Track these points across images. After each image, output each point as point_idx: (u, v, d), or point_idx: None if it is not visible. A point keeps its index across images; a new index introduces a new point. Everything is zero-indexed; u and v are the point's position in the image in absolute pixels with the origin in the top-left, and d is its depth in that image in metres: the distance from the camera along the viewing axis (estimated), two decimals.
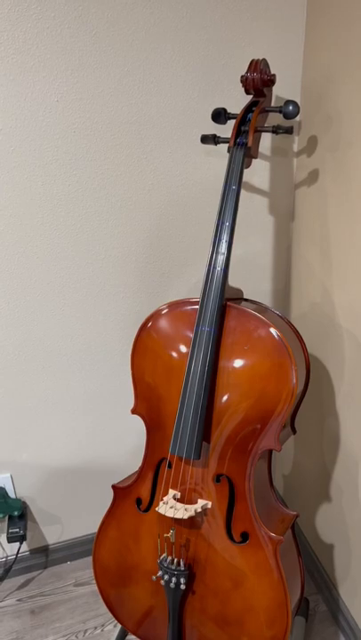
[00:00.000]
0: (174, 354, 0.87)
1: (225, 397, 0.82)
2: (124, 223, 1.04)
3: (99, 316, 1.09)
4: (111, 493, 0.97)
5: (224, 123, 0.90)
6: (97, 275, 1.06)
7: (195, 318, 0.84)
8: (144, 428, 0.93)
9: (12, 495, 1.18)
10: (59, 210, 0.99)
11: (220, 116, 0.89)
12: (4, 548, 1.23)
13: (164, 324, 0.89)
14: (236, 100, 0.96)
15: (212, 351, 0.81)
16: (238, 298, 0.91)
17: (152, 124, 0.99)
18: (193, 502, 0.86)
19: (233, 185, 0.83)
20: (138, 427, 0.96)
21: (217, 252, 0.82)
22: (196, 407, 0.81)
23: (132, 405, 0.93)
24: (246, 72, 0.85)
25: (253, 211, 1.10)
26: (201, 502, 0.86)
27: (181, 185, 1.04)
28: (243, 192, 1.02)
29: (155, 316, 0.89)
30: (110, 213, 1.02)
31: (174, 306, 0.88)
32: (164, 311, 0.89)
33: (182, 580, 0.87)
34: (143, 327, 0.90)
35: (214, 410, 0.83)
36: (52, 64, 0.89)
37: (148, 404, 0.90)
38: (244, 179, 1.05)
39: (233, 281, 0.88)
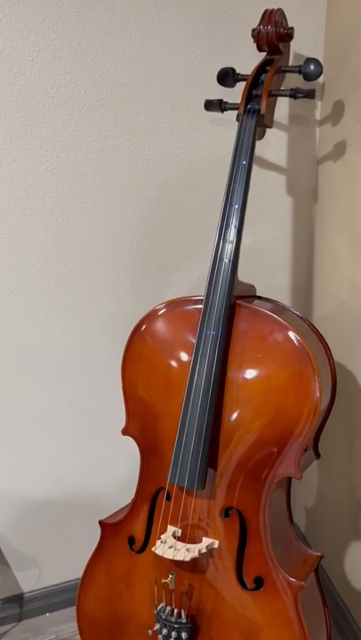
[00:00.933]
0: (173, 363, 0.87)
1: (235, 415, 0.82)
2: (112, 207, 1.04)
3: (83, 318, 1.10)
4: (98, 531, 0.96)
5: (232, 85, 0.90)
6: (80, 268, 1.06)
7: (198, 320, 0.84)
8: (137, 451, 0.92)
9: None
10: (33, 190, 0.99)
11: (227, 77, 0.90)
12: None
13: (161, 327, 0.89)
14: (248, 59, 0.97)
15: (218, 359, 0.81)
16: (250, 295, 0.91)
17: (146, 87, 0.99)
18: (196, 541, 0.86)
19: (243, 160, 0.83)
20: (130, 450, 0.96)
21: (224, 241, 0.82)
22: (199, 427, 0.81)
23: (122, 425, 0.92)
24: (259, 24, 0.85)
25: (268, 191, 1.10)
26: (206, 541, 0.86)
27: (181, 160, 1.04)
28: (255, 168, 1.02)
29: (150, 317, 0.89)
30: (96, 195, 1.02)
31: (173, 305, 0.88)
32: (162, 312, 0.89)
33: (184, 635, 0.87)
34: (136, 331, 0.90)
35: (222, 430, 0.83)
36: (25, 16, 0.90)
37: (142, 424, 0.90)
38: (257, 152, 1.05)
39: (243, 275, 0.88)
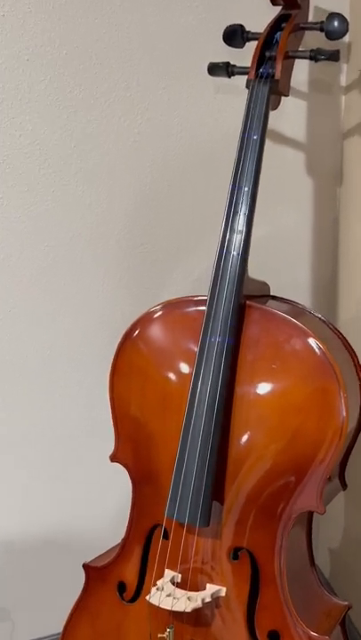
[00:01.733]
0: (172, 375, 0.87)
1: (245, 438, 0.82)
2: (99, 190, 1.04)
3: (64, 321, 1.10)
4: (82, 576, 0.96)
5: (241, 46, 0.90)
6: (60, 263, 1.06)
7: (200, 324, 0.84)
8: (128, 481, 0.92)
9: None
10: (4, 170, 0.99)
11: (235, 35, 0.90)
12: None
13: (157, 332, 0.89)
14: (260, 14, 0.96)
15: (225, 371, 0.81)
16: (263, 295, 0.91)
17: (139, 47, 0.99)
18: (199, 588, 0.86)
19: (254, 134, 0.83)
20: (121, 479, 0.96)
21: (232, 231, 0.83)
22: (203, 452, 0.81)
23: (111, 449, 0.92)
24: None
25: (284, 171, 1.10)
26: (211, 588, 0.86)
27: (181, 135, 1.04)
28: (268, 144, 1.01)
29: (144, 321, 0.89)
30: (80, 176, 1.02)
31: (172, 307, 0.89)
32: (158, 314, 0.89)
33: None
34: (127, 337, 0.90)
35: (230, 456, 0.83)
36: None
37: (134, 448, 0.90)
38: (271, 125, 1.04)
39: (255, 271, 0.88)
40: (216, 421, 0.81)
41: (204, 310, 0.84)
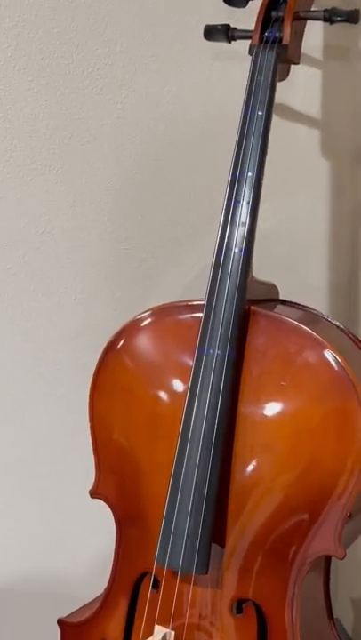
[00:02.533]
0: (163, 394, 0.87)
1: (250, 468, 0.82)
2: (76, 175, 1.04)
3: (35, 331, 1.09)
4: (57, 633, 0.96)
5: (244, 5, 0.90)
6: (31, 262, 1.06)
7: (197, 334, 0.84)
8: (112, 520, 0.92)
9: None
10: None
11: None
12: None
13: (145, 343, 0.89)
14: None
15: (225, 389, 0.81)
16: (270, 299, 0.91)
17: (122, 6, 0.99)
18: None
19: (259, 109, 0.84)
20: (103, 519, 0.96)
21: (233, 223, 0.83)
22: (199, 486, 0.81)
23: (91, 482, 0.92)
24: None
25: (294, 152, 1.10)
26: None
27: (172, 111, 1.04)
28: (276, 121, 1.02)
29: (130, 330, 0.90)
30: (52, 159, 1.02)
31: (162, 313, 0.89)
32: (146, 322, 0.89)
33: None
34: (110, 349, 0.90)
35: (232, 489, 0.83)
36: None
37: (118, 481, 0.90)
38: (279, 99, 1.04)
39: (261, 271, 0.88)
40: (215, 448, 0.81)
41: (200, 317, 0.84)
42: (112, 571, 0.92)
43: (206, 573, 0.83)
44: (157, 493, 0.85)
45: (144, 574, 0.89)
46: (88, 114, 1.02)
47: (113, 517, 0.91)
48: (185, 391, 0.84)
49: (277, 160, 1.07)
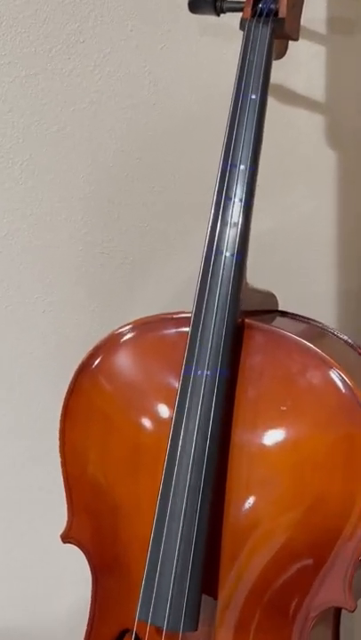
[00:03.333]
0: (145, 422, 0.87)
1: (245, 507, 0.82)
2: (43, 169, 1.04)
3: None
4: None
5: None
6: None
7: (183, 351, 0.83)
8: (88, 569, 0.91)
9: None
10: None
11: None
12: None
13: (124, 363, 0.89)
14: None
15: (217, 416, 0.81)
16: (268, 310, 0.91)
17: None
18: None
19: (252, 93, 0.83)
20: (77, 567, 0.96)
21: (224, 223, 0.83)
22: (188, 528, 0.81)
23: (63, 525, 0.91)
24: None
25: (295, 141, 1.10)
26: None
27: (153, 94, 1.05)
28: (272, 106, 1.02)
29: (107, 347, 0.89)
30: (16, 150, 1.03)
31: (144, 328, 0.89)
32: (126, 338, 0.89)
33: None
34: (84, 370, 0.90)
35: (225, 532, 0.82)
36: None
37: (94, 523, 0.90)
38: (276, 79, 1.04)
39: (257, 278, 0.88)
40: (205, 484, 0.80)
41: (187, 332, 0.83)
42: (87, 628, 0.91)
43: (196, 630, 0.82)
44: (139, 537, 0.84)
45: (124, 632, 0.88)
46: (57, 98, 1.02)
47: (88, 566, 0.91)
48: (170, 417, 0.83)
49: (275, 150, 1.07)
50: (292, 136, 1.10)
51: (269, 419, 0.81)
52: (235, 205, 0.83)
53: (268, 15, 0.85)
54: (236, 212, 0.82)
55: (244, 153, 0.83)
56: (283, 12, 0.85)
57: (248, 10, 0.86)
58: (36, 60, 1.00)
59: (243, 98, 0.84)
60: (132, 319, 0.90)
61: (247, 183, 0.83)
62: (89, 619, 0.91)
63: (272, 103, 1.03)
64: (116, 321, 0.91)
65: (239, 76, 0.85)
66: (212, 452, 0.81)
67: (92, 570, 0.91)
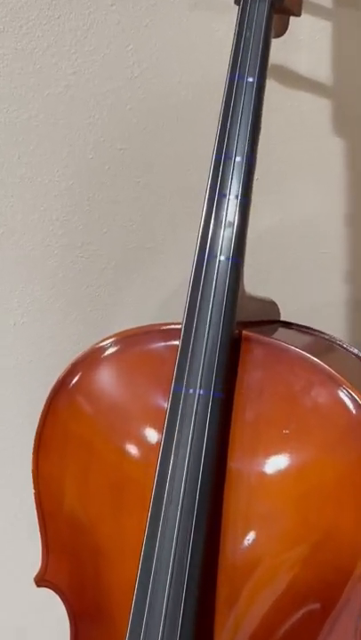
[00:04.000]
0: (131, 449, 0.86)
1: (244, 545, 0.82)
2: (15, 160, 1.05)
3: None
4: None
5: None
6: None
7: (173, 368, 0.83)
8: (65, 615, 0.91)
9: None
10: None
11: None
12: None
13: (106, 381, 0.89)
14: None
15: (211, 440, 0.81)
16: (268, 321, 0.92)
17: None
18: None
19: (249, 75, 0.83)
20: (54, 614, 0.95)
21: (217, 223, 0.82)
22: (178, 570, 0.80)
23: (37, 567, 0.91)
24: None
25: (298, 129, 1.11)
26: None
27: (139, 76, 1.05)
28: (272, 89, 1.03)
29: (87, 363, 0.90)
30: None
31: (129, 341, 0.89)
32: (108, 352, 0.89)
33: None
34: (60, 390, 0.90)
35: (221, 573, 0.82)
36: None
37: (72, 564, 0.90)
38: (276, 59, 1.04)
39: (256, 285, 0.88)
40: (198, 519, 0.80)
41: (177, 346, 0.83)
42: None
43: None
44: (123, 583, 0.84)
45: None
46: (28, 81, 1.02)
47: (66, 613, 0.91)
48: (159, 443, 0.83)
49: (275, 140, 1.08)
50: (295, 123, 1.11)
51: (271, 443, 0.81)
52: (230, 202, 0.82)
53: None
54: (231, 210, 0.82)
55: (240, 143, 0.83)
56: None
57: None
58: (4, 38, 1.01)
59: (238, 81, 0.84)
60: (115, 331, 0.90)
61: (244, 177, 0.83)
62: None
63: (272, 86, 1.03)
64: (97, 333, 0.90)
65: (234, 57, 0.84)
66: (206, 482, 0.80)
67: (70, 617, 0.90)
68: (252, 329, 0.84)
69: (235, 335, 0.82)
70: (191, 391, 0.81)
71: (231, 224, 0.82)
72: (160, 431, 0.83)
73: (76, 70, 1.03)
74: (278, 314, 0.93)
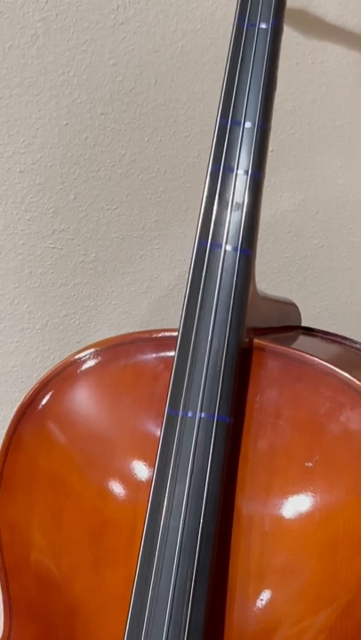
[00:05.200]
0: (114, 487, 0.87)
1: (258, 606, 0.82)
2: None
3: None
4: None
5: None
6: None
7: (166, 385, 0.83)
8: None
9: None
10: None
11: None
12: None
13: (84, 402, 0.90)
14: None
15: (214, 476, 0.81)
16: (286, 327, 0.92)
17: None
18: None
19: (262, 21, 0.84)
20: None
21: (221, 204, 0.83)
22: (174, 637, 0.80)
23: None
24: None
25: (324, 89, 1.11)
26: None
27: (124, 24, 1.06)
28: (291, 39, 1.03)
29: (60, 379, 0.90)
30: None
31: (113, 352, 0.89)
32: (87, 366, 0.90)
33: None
34: (26, 414, 0.90)
35: None
36: None
37: (41, 629, 0.90)
38: (297, 2, 1.06)
39: (271, 283, 0.87)
40: (199, 575, 0.80)
41: (172, 358, 0.83)
42: None
43: None
44: None
45: None
46: None
47: None
48: (149, 480, 0.83)
49: (295, 102, 1.08)
50: (319, 82, 1.11)
51: (289, 479, 0.81)
52: (238, 178, 0.82)
53: None
54: (239, 189, 0.82)
55: (250, 106, 0.83)
56: None
57: None
58: None
59: (248, 28, 0.84)
60: (94, 340, 0.90)
61: (255, 147, 0.83)
62: None
63: (290, 36, 1.03)
64: (73, 343, 0.90)
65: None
66: (209, 528, 0.80)
67: None
68: (265, 337, 0.85)
69: (244, 344, 0.83)
70: (190, 414, 0.81)
71: (240, 206, 0.82)
72: (151, 464, 0.83)
73: (46, 16, 1.03)
74: (298, 318, 0.93)
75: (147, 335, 0.88)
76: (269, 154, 0.84)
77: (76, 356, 0.89)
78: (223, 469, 0.81)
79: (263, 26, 0.83)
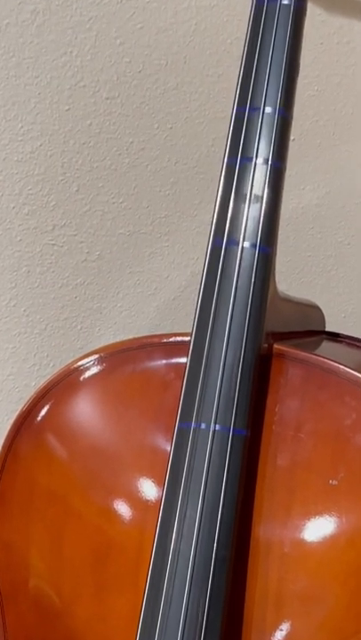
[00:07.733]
0: (119, 507, 0.87)
1: (276, 636, 0.82)
2: None
3: None
4: None
5: None
6: None
7: (177, 395, 0.83)
8: None
9: None
10: None
11: None
12: None
13: (86, 414, 0.90)
14: None
15: (229, 496, 0.81)
16: (308, 332, 0.92)
17: None
18: None
19: None
20: None
21: (238, 197, 0.83)
22: None
23: None
24: None
25: (351, 73, 1.11)
26: None
27: (134, 10, 1.06)
28: (315, 15, 1.04)
29: (60, 389, 0.90)
30: None
31: (118, 359, 0.89)
32: (90, 374, 0.90)
33: None
34: (24, 426, 0.90)
35: None
36: None
37: None
38: None
39: (294, 283, 0.87)
40: (213, 602, 0.80)
41: (183, 365, 0.83)
42: None
43: None
44: None
45: None
46: None
47: None
48: (158, 498, 0.83)
49: (321, 85, 1.09)
50: (346, 63, 1.11)
51: (311, 499, 0.81)
52: (257, 169, 0.83)
53: None
54: (258, 180, 0.82)
55: (270, 90, 0.83)
56: None
57: None
58: None
59: (269, 3, 0.84)
60: (98, 345, 0.91)
61: (276, 135, 0.83)
62: None
63: (314, 13, 1.04)
64: (75, 349, 0.90)
65: None
66: (223, 551, 0.80)
67: None
68: (286, 342, 0.85)
69: (263, 350, 0.83)
70: (203, 426, 0.81)
71: (259, 199, 0.82)
72: (160, 482, 0.83)
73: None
74: (322, 322, 0.94)
75: (156, 340, 0.88)
76: (291, 142, 0.84)
77: (78, 363, 0.89)
78: (239, 488, 0.81)
79: (285, 1, 0.83)
